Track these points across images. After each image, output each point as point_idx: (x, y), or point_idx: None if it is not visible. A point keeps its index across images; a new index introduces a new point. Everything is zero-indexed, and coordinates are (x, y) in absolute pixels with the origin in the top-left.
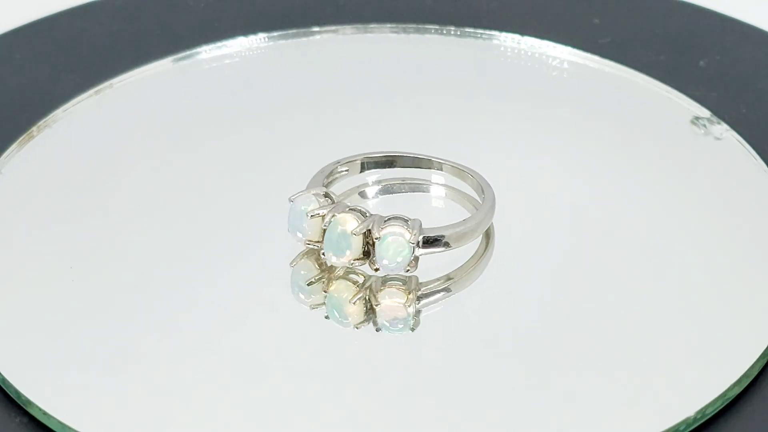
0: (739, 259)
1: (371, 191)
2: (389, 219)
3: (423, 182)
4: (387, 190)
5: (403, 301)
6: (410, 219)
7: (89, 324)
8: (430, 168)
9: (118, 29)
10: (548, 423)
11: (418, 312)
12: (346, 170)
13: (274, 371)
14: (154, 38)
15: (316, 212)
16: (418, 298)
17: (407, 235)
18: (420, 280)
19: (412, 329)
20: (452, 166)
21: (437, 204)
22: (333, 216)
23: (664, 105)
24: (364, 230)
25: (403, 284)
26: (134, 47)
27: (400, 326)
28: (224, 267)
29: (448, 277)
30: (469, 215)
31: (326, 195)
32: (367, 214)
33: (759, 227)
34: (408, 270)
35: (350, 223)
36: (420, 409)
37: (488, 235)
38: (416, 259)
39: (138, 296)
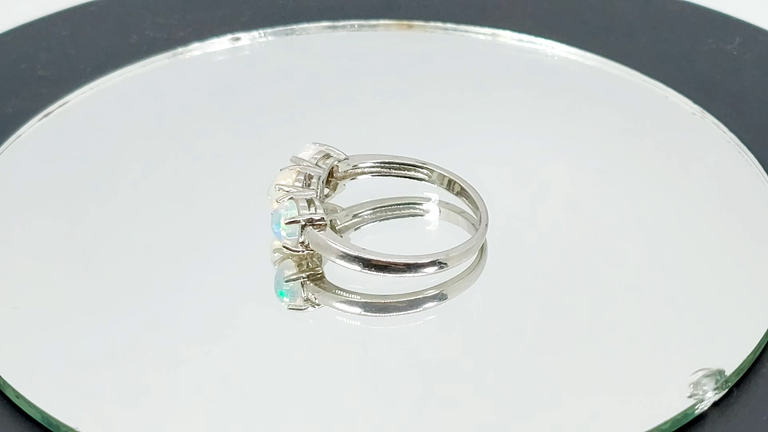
0: (733, 258)
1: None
2: (305, 199)
3: (420, 201)
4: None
5: (288, 272)
6: (318, 212)
7: (86, 322)
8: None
9: (112, 26)
10: (549, 421)
11: (308, 300)
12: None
13: (271, 369)
14: (150, 35)
15: (293, 163)
16: (312, 284)
17: (283, 212)
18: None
19: (288, 307)
20: (464, 187)
21: (434, 224)
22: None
23: (659, 104)
24: (278, 187)
25: (305, 266)
26: (128, 45)
27: (276, 288)
28: (220, 263)
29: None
30: (466, 236)
31: (327, 155)
32: (312, 183)
33: (753, 224)
34: (296, 248)
35: (285, 179)
36: (413, 410)
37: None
38: (302, 243)
39: (135, 293)
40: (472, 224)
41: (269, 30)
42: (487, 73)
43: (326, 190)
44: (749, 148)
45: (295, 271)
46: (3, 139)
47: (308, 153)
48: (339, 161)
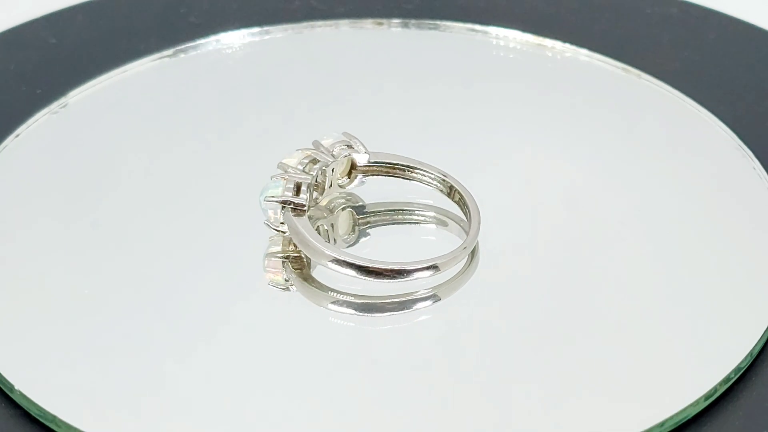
0: (730, 256)
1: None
2: (295, 182)
3: (412, 207)
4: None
5: (273, 249)
6: (302, 197)
7: (85, 319)
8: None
9: (114, 23)
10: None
11: (287, 281)
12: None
13: (268, 365)
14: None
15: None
16: (291, 266)
17: (267, 189)
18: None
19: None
20: (461, 195)
21: (428, 227)
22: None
23: (656, 102)
24: (279, 165)
25: (291, 247)
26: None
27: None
28: (221, 260)
29: (433, 264)
30: (456, 242)
31: (348, 146)
32: (315, 170)
33: (750, 222)
34: (275, 227)
35: (291, 160)
36: (407, 410)
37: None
38: (283, 224)
39: (134, 291)
40: (465, 231)
41: (414, 21)
42: (481, 71)
43: (345, 180)
44: (750, 148)
45: (279, 249)
46: (116, 66)
47: (329, 141)
48: (357, 155)
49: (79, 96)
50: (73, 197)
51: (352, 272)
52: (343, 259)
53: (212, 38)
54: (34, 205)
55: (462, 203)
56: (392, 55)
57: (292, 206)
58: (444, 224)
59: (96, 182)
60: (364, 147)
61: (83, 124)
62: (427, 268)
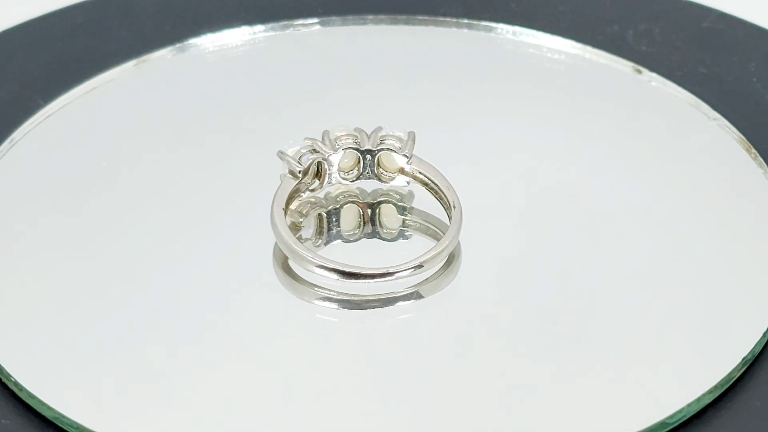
0: (729, 253)
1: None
2: (311, 149)
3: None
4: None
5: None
6: (300, 164)
7: (86, 315)
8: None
9: (116, 21)
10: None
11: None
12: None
13: (267, 358)
14: (151, 31)
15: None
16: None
17: (288, 145)
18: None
19: None
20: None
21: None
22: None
23: (654, 100)
24: (323, 131)
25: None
26: (131, 39)
27: None
28: (220, 255)
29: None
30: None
31: (398, 140)
32: (345, 147)
33: (750, 219)
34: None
35: (338, 131)
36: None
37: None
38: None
39: (134, 286)
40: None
41: (411, 17)
42: (479, 68)
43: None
44: (750, 141)
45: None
46: (116, 64)
47: (385, 131)
48: (395, 153)
49: (79, 94)
50: (73, 195)
51: (334, 276)
52: (324, 264)
53: (212, 37)
54: (35, 202)
55: (447, 205)
56: (392, 52)
57: (290, 168)
58: (426, 228)
59: (96, 179)
60: (409, 151)
61: (83, 122)
62: (411, 268)
